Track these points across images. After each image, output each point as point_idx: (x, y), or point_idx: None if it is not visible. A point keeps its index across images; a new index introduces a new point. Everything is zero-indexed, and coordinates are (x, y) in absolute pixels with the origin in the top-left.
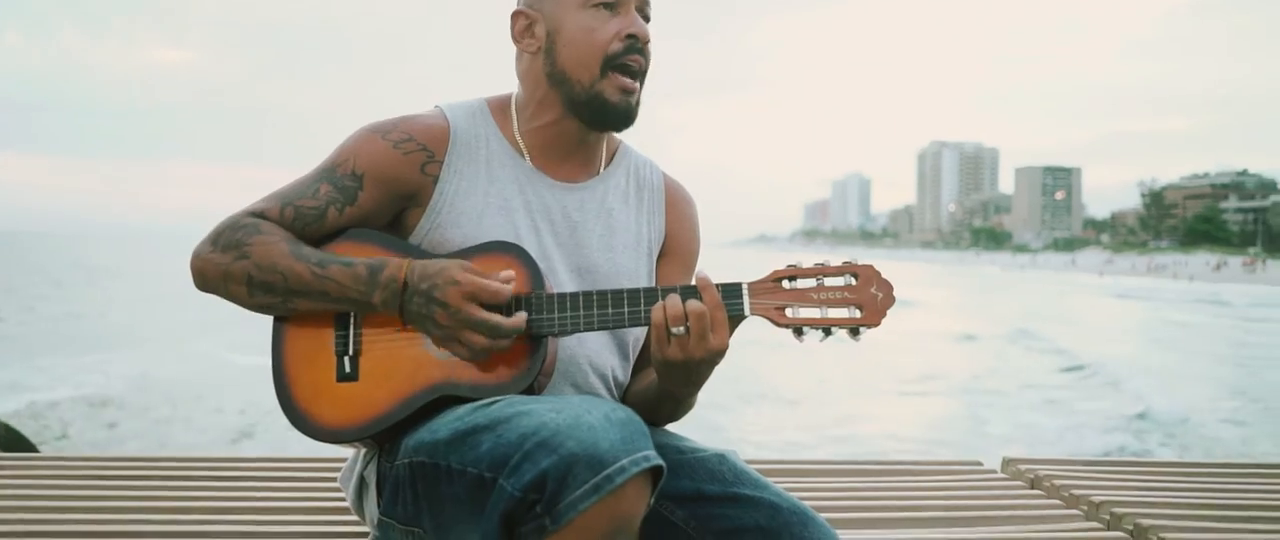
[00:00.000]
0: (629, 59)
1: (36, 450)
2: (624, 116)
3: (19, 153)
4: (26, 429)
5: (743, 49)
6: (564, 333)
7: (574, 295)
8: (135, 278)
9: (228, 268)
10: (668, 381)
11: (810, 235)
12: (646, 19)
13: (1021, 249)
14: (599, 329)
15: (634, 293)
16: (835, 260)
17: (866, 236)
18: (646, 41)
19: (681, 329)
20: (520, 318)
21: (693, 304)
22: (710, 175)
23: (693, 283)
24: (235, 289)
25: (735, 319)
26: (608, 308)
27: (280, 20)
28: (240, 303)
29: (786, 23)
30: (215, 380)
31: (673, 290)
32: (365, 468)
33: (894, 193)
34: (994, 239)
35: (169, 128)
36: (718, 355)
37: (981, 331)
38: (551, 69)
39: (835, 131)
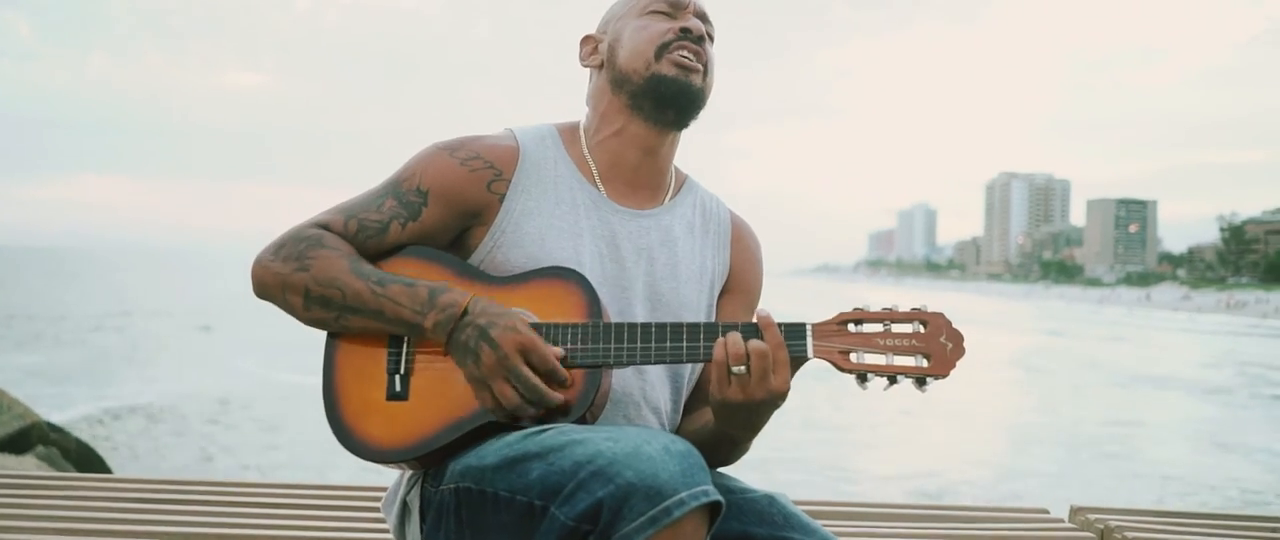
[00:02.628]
0: (683, 46)
1: (109, 470)
2: (685, 91)
3: (98, 174)
4: (94, 436)
5: (809, 76)
6: (620, 364)
7: (632, 326)
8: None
9: (287, 278)
10: (726, 423)
11: (875, 266)
12: (709, 36)
13: (1093, 283)
14: (656, 363)
15: (694, 328)
16: (904, 306)
17: (932, 268)
18: (701, 38)
19: (743, 368)
20: (561, 397)
21: (754, 343)
22: (774, 202)
23: (754, 321)
24: (292, 299)
25: (797, 360)
26: (665, 342)
27: (352, 45)
28: (294, 314)
29: (853, 50)
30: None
31: (734, 327)
32: (408, 492)
33: (961, 223)
34: (1064, 272)
35: (243, 150)
36: (778, 397)
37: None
38: (613, 75)
39: (901, 161)
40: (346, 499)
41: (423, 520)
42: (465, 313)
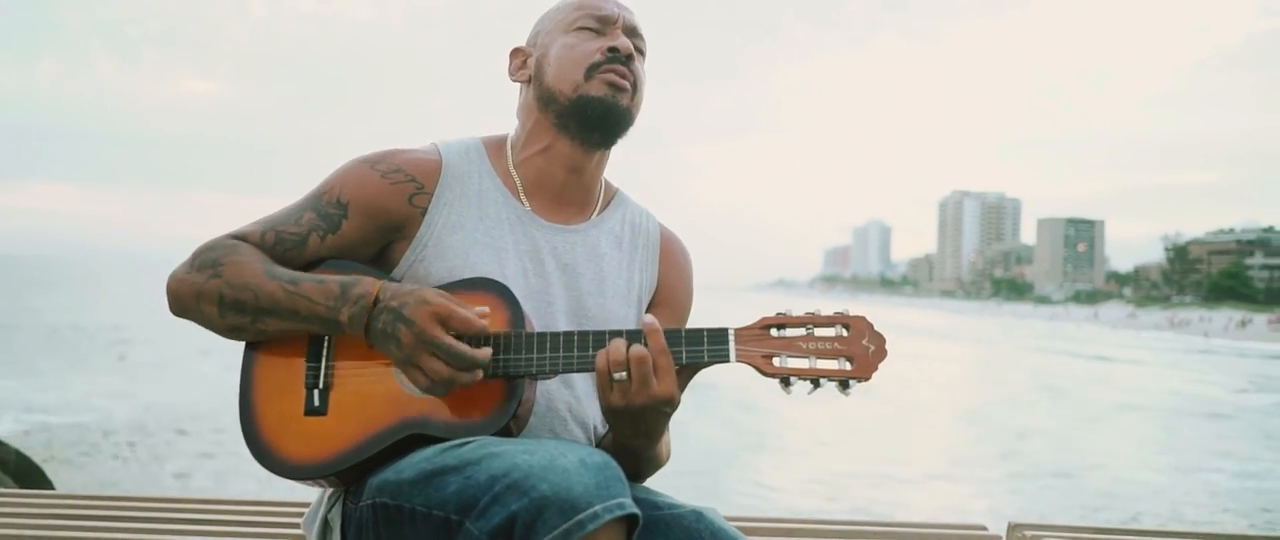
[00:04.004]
0: (611, 68)
1: (51, 485)
2: (611, 111)
3: (43, 180)
4: (35, 447)
5: (765, 93)
6: (541, 375)
7: (551, 335)
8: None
9: (201, 287)
10: (617, 430)
11: (830, 281)
12: (639, 51)
13: (1043, 300)
14: (563, 372)
15: (598, 336)
16: (827, 310)
17: (886, 284)
18: (630, 57)
19: (623, 374)
20: (486, 351)
21: (636, 349)
22: (730, 218)
23: (639, 327)
24: (207, 308)
25: (714, 364)
26: (573, 350)
27: (310, 54)
28: (211, 325)
29: (810, 67)
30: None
31: (619, 334)
32: (329, 510)
33: (915, 241)
34: (1015, 290)
35: (196, 158)
36: (663, 403)
37: None
38: (540, 91)
39: (856, 178)
40: (297, 514)
41: (344, 537)
42: (377, 301)
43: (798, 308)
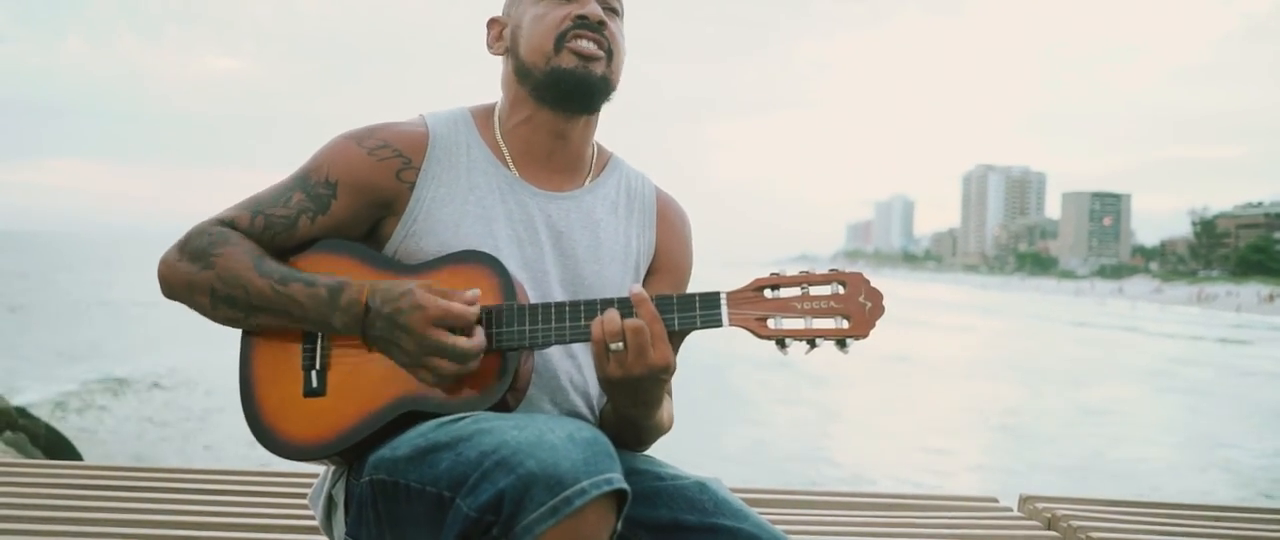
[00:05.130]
0: (581, 34)
1: (79, 456)
2: (583, 83)
3: (67, 157)
4: (64, 420)
5: (791, 68)
6: (535, 346)
7: (542, 307)
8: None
9: (192, 277)
10: (615, 401)
11: (852, 256)
12: (613, 10)
13: (1067, 275)
14: (558, 343)
15: (591, 305)
16: (821, 268)
17: (909, 258)
18: (600, 22)
19: (619, 345)
20: (479, 341)
21: (630, 320)
22: (754, 193)
23: (628, 295)
24: (199, 299)
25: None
26: (566, 321)
27: (332, 30)
28: (204, 314)
29: (835, 43)
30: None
31: (611, 303)
32: (334, 486)
33: (938, 215)
34: (1039, 264)
35: (218, 135)
36: (660, 371)
37: None
38: (515, 63)
39: (880, 152)
40: (277, 485)
41: (347, 514)
42: (368, 308)
43: None
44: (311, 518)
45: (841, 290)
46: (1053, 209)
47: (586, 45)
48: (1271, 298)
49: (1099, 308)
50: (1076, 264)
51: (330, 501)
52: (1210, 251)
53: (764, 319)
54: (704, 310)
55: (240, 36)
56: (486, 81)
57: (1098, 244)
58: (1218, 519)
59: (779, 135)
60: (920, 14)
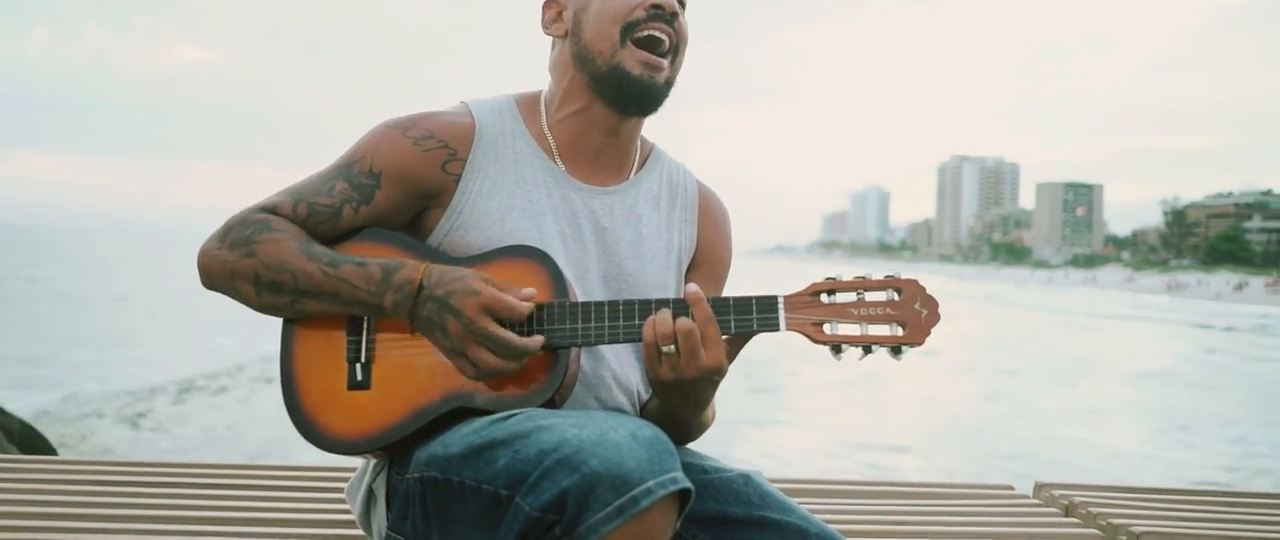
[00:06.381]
0: (651, 26)
1: (55, 452)
2: (645, 91)
3: (35, 150)
4: (51, 427)
5: (766, 58)
6: (586, 344)
7: (595, 305)
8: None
9: (235, 265)
10: (665, 401)
11: (828, 247)
12: (681, 2)
13: (1041, 265)
14: (610, 342)
15: (645, 305)
16: (877, 274)
17: (884, 249)
18: (673, 14)
19: (671, 348)
20: (536, 341)
21: (682, 322)
22: (729, 183)
23: (684, 296)
24: (242, 287)
25: (763, 332)
26: (619, 320)
27: (301, 21)
28: (247, 302)
29: (810, 32)
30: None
31: (665, 304)
32: (374, 480)
33: (913, 206)
34: (1013, 254)
35: (190, 127)
36: (712, 373)
37: None
38: (576, 49)
39: (855, 143)
40: (304, 480)
41: (389, 508)
42: (422, 288)
43: (798, 273)
44: (343, 512)
45: (897, 296)
46: (1027, 199)
47: (652, 56)
48: (1241, 286)
49: (1074, 296)
50: (1050, 254)
51: (370, 495)
52: (1181, 241)
53: (820, 324)
54: (761, 314)
55: (211, 26)
56: (460, 76)
57: (1071, 234)
58: (1231, 505)
59: (753, 125)
60: (895, 4)
